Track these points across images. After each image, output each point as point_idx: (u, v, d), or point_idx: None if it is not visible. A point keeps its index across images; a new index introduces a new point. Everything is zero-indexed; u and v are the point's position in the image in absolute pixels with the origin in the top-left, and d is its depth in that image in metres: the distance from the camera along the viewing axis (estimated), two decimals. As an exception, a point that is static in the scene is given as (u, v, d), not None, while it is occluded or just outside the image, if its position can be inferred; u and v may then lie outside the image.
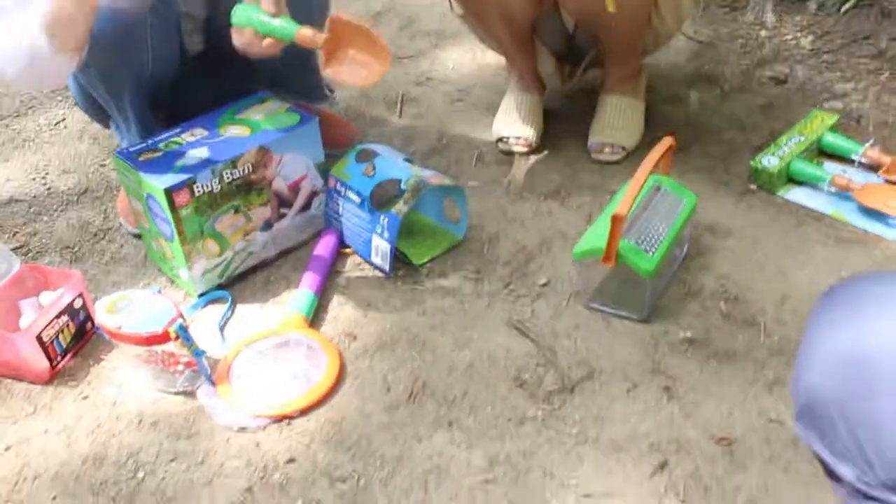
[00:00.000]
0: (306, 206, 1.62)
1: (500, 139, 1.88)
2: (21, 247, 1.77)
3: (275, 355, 1.40)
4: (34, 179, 2.00)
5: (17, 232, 1.82)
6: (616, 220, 1.27)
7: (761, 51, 2.15)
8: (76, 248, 1.76)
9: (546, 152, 1.87)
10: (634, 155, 1.82)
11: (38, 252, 1.76)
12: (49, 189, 1.96)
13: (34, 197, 1.94)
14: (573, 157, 1.85)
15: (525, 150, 1.85)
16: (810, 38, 2.14)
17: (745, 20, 2.26)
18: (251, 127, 1.54)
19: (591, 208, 1.68)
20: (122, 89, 1.58)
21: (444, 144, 1.93)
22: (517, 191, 1.75)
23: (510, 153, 1.86)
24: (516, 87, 1.92)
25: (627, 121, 1.84)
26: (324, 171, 1.62)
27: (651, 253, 1.34)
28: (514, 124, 1.87)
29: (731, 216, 1.64)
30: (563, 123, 1.94)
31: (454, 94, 2.15)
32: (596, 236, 1.36)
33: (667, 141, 1.44)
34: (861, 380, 0.68)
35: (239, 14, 1.41)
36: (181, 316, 1.32)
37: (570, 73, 1.95)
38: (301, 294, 1.48)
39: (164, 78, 1.63)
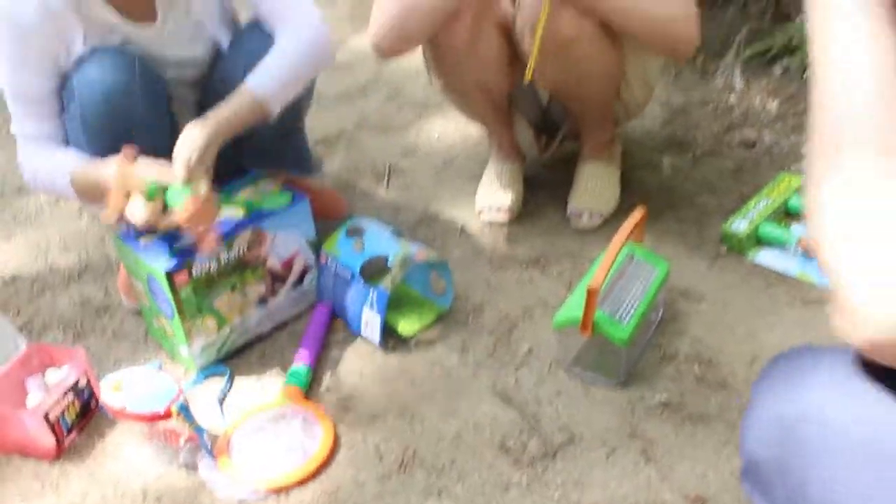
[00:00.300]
0: (299, 282, 1.70)
1: (483, 209, 1.97)
2: (25, 324, 1.84)
3: (272, 428, 1.46)
4: (36, 257, 2.08)
5: (20, 309, 1.89)
6: (591, 294, 1.35)
7: (731, 115, 2.26)
8: (78, 325, 1.83)
9: (527, 220, 1.96)
10: (611, 220, 1.91)
11: (41, 329, 1.83)
12: (51, 266, 2.03)
13: (37, 274, 2.01)
14: (553, 224, 1.93)
15: (506, 218, 1.94)
16: (776, 102, 2.25)
17: (715, 85, 2.37)
18: (246, 207, 1.63)
19: (571, 275, 1.76)
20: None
21: (430, 216, 2.02)
22: (500, 260, 1.84)
23: (493, 223, 1.95)
24: (497, 157, 2.02)
25: (604, 188, 1.94)
26: (315, 247, 1.70)
27: (625, 321, 1.42)
28: (495, 194, 1.97)
29: (703, 280, 1.72)
30: (544, 190, 2.03)
31: (439, 164, 2.25)
32: (574, 306, 1.44)
33: (639, 211, 1.53)
34: (793, 442, 0.75)
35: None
36: (182, 394, 1.39)
37: (546, 143, 2.05)
38: (296, 367, 1.56)
39: (156, 152, 1.71)
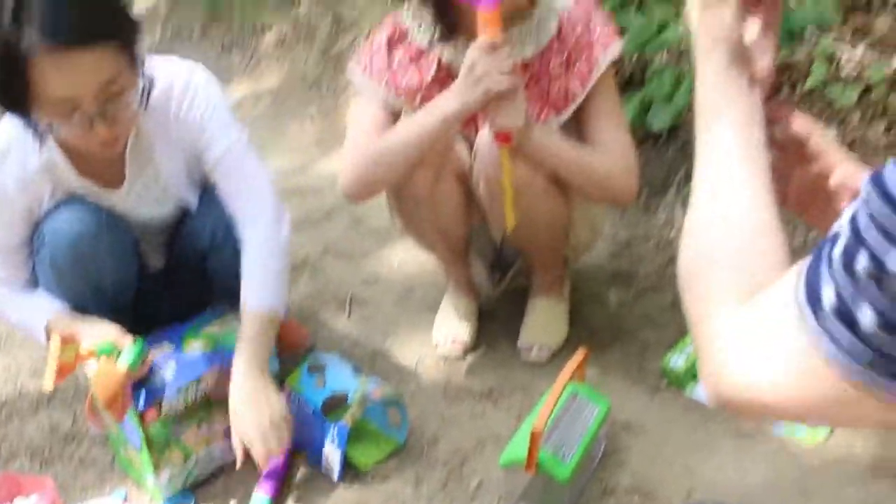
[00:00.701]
0: (262, 414, 1.79)
1: (439, 342, 2.08)
2: (-6, 451, 1.90)
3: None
4: (6, 381, 2.14)
5: (-12, 437, 1.95)
6: (534, 436, 1.46)
7: (671, 249, 2.41)
8: (46, 452, 1.89)
9: (481, 352, 2.07)
10: (560, 353, 2.03)
11: (9, 456, 1.89)
12: (20, 391, 2.10)
13: (5, 400, 2.07)
14: (505, 357, 2.05)
15: (461, 351, 2.06)
16: (714, 239, 2.41)
17: (657, 221, 2.54)
18: (212, 343, 1.72)
19: (521, 409, 1.87)
20: (84, 304, 1.76)
21: (389, 347, 2.13)
22: (455, 392, 1.94)
23: (448, 356, 2.06)
24: (453, 292, 2.15)
25: (552, 323, 2.07)
26: (279, 379, 1.80)
27: (568, 459, 1.53)
28: (451, 328, 2.09)
29: (644, 413, 1.84)
30: (497, 324, 2.15)
31: (400, 292, 2.37)
32: (519, 445, 1.54)
33: (581, 352, 1.66)
34: None
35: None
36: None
37: (499, 279, 2.18)
38: (258, 495, 1.63)
39: (123, 294, 1.82)
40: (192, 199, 1.82)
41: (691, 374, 1.90)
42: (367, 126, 1.80)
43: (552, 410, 1.51)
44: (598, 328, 2.13)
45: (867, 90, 2.41)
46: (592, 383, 1.82)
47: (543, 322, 2.06)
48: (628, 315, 2.17)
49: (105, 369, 1.56)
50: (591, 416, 1.64)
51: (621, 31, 1.91)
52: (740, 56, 0.83)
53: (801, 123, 0.94)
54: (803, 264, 0.66)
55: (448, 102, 1.63)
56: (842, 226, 0.62)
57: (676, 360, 1.90)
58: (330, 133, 3.62)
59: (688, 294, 0.79)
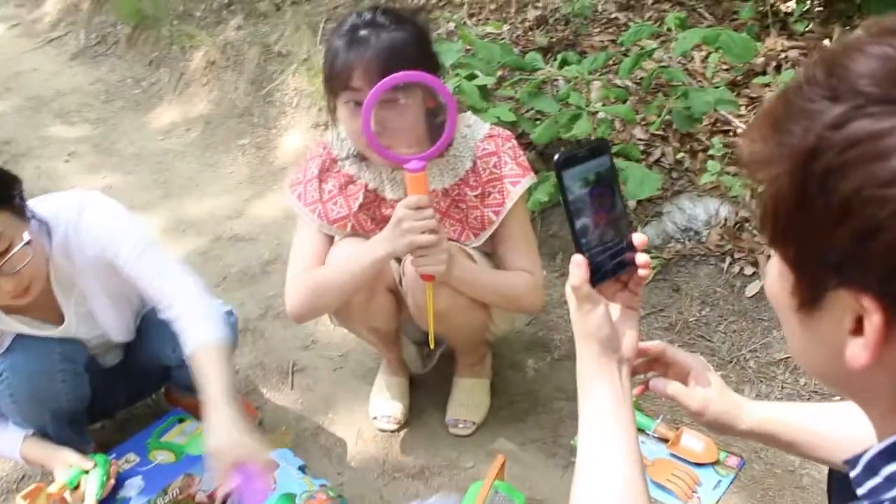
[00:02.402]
0: None
1: (376, 416, 2.32)
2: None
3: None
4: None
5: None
6: (462, 546, 1.72)
7: (583, 314, 2.67)
8: None
9: (413, 426, 2.31)
10: (483, 425, 2.29)
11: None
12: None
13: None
14: (434, 431, 2.29)
15: (395, 426, 2.29)
16: (620, 304, 2.68)
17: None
18: (175, 453, 1.93)
19: (449, 486, 2.12)
20: (43, 426, 1.96)
21: (330, 419, 2.36)
22: (391, 471, 2.19)
23: (384, 430, 2.30)
24: (386, 370, 2.38)
25: (475, 399, 2.32)
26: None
27: (491, 556, 1.79)
28: (385, 404, 2.32)
29: (556, 490, 2.11)
30: (427, 398, 2.39)
31: (336, 359, 2.59)
32: (450, 545, 1.80)
33: (499, 459, 1.91)
34: None
35: None
36: None
37: (427, 356, 2.41)
38: None
39: (79, 407, 2.01)
40: (126, 318, 2.03)
41: (597, 451, 2.17)
42: (307, 251, 2.02)
43: (477, 517, 1.77)
44: (517, 398, 2.39)
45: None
46: (512, 459, 2.08)
47: (467, 400, 2.31)
48: (544, 384, 2.44)
49: None
50: (509, 511, 1.90)
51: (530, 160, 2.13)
52: (608, 347, 1.07)
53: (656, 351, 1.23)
54: None
55: (378, 247, 1.85)
56: None
57: (584, 440, 2.17)
58: (262, 169, 3.77)
59: None
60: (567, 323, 2.62)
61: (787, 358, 2.43)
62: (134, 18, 4.97)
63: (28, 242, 1.69)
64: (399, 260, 2.06)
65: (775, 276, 0.81)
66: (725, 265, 2.68)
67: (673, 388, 1.21)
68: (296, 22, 4.21)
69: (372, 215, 2.02)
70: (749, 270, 2.64)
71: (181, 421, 2.01)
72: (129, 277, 1.92)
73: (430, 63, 1.82)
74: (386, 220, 1.99)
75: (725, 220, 2.72)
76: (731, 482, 2.10)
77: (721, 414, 1.22)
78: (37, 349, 1.84)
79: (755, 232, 2.68)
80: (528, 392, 2.42)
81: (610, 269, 1.09)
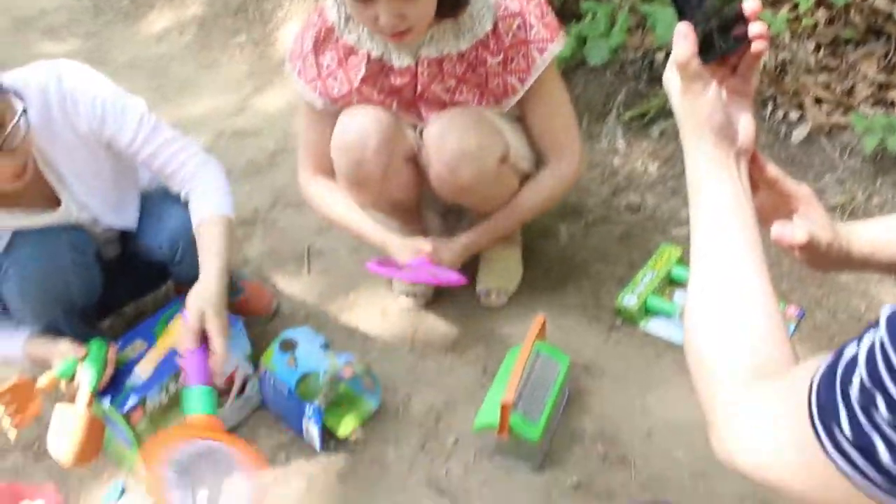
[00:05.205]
0: (241, 391, 1.85)
1: (400, 295, 2.15)
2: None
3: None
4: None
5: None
6: (505, 408, 1.56)
7: (616, 178, 2.48)
8: (38, 447, 1.88)
9: (441, 302, 2.15)
10: (517, 295, 2.12)
11: (1, 452, 1.90)
12: None
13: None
14: (465, 304, 2.13)
15: (422, 303, 2.13)
16: (656, 164, 2.48)
17: (601, 147, 2.59)
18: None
19: (486, 360, 1.96)
20: (55, 322, 1.78)
21: (352, 301, 2.19)
22: (420, 348, 2.02)
23: (411, 307, 2.13)
24: (409, 246, 2.20)
25: (507, 267, 2.14)
26: (253, 358, 1.85)
27: (537, 419, 1.63)
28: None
29: (602, 353, 1.95)
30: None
31: (354, 240, 2.41)
32: (490, 411, 1.64)
33: (539, 319, 1.74)
34: None
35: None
36: None
37: (452, 225, 2.23)
38: (194, 392, 1.57)
39: (90, 300, 1.84)
40: (120, 198, 1.85)
41: (643, 310, 2.00)
42: (310, 141, 1.99)
43: (520, 378, 1.60)
44: (552, 265, 2.21)
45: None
46: (552, 325, 1.91)
47: (498, 268, 2.13)
48: (580, 249, 2.26)
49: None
50: (554, 374, 1.74)
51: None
52: (724, 137, 0.88)
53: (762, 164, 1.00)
54: (816, 374, 0.68)
55: (388, 244, 1.94)
56: (858, 356, 0.65)
57: (630, 300, 2.00)
58: (262, 65, 3.56)
59: (694, 356, 0.85)
60: (600, 185, 2.44)
61: (842, 204, 2.23)
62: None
63: (24, 112, 1.52)
64: (415, 127, 1.87)
65: None
66: (767, 112, 2.46)
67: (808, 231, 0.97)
68: None
69: (379, 87, 1.83)
70: (795, 115, 2.42)
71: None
72: (134, 157, 1.78)
73: None
74: (394, 90, 1.81)
75: (764, 63, 2.49)
76: (793, 333, 1.92)
77: (840, 248, 1.00)
78: (43, 241, 1.66)
79: (798, 75, 2.46)
80: (563, 258, 2.24)
81: (720, 45, 0.89)
